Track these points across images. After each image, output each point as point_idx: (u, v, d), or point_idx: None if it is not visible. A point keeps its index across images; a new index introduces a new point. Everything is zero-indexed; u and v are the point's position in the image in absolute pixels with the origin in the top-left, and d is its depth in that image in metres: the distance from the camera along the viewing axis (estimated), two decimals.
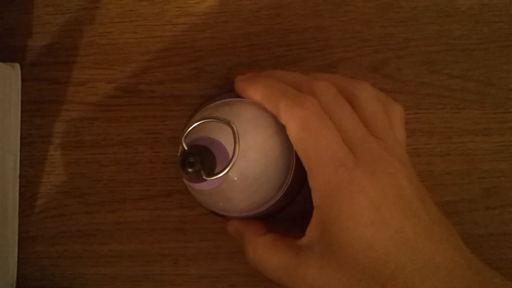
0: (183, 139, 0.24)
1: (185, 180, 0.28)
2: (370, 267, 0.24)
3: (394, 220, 0.24)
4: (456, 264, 0.24)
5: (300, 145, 0.26)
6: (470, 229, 0.33)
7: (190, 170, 0.23)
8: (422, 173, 0.34)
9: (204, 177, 0.23)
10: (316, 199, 0.26)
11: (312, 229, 0.26)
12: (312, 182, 0.26)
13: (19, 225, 0.34)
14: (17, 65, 0.35)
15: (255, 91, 0.28)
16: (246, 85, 0.29)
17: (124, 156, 0.35)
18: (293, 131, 0.26)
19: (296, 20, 0.35)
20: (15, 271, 0.33)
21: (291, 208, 0.33)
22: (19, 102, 0.35)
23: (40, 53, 0.36)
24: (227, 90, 0.34)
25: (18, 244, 0.34)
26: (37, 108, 0.35)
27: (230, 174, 0.26)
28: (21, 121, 0.35)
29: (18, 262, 0.34)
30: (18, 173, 0.34)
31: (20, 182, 0.34)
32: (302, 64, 0.35)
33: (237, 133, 0.24)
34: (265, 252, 0.27)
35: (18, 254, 0.34)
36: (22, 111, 0.35)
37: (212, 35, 0.35)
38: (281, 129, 0.27)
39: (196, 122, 0.25)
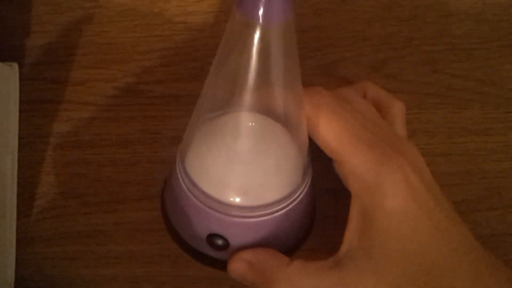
0: None
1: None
2: (416, 252, 0.23)
3: (428, 202, 0.24)
4: (477, 247, 0.25)
5: (328, 132, 0.25)
6: (471, 229, 0.33)
7: None
8: None
9: None
10: (354, 185, 0.25)
11: (351, 228, 0.24)
12: (347, 167, 0.25)
13: (17, 226, 0.34)
14: (16, 65, 0.35)
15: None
16: None
17: (123, 156, 0.34)
18: (316, 119, 0.25)
19: (296, 19, 0.35)
20: (13, 272, 0.33)
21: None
22: (17, 102, 0.35)
23: (39, 52, 0.36)
24: None
25: (16, 245, 0.34)
26: (35, 108, 0.35)
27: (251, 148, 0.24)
28: (19, 121, 0.35)
29: (16, 263, 0.33)
30: (16, 174, 0.34)
31: (18, 183, 0.34)
32: (303, 64, 0.34)
33: None
34: (302, 280, 0.23)
35: (16, 255, 0.33)
36: (20, 111, 0.35)
37: (212, 34, 0.35)
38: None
39: None
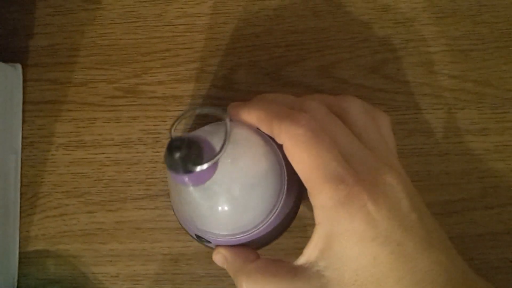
0: (172, 130, 0.23)
1: (171, 195, 0.27)
2: (371, 281, 0.24)
3: (395, 235, 0.24)
4: (452, 275, 0.25)
5: (300, 164, 0.26)
6: (468, 228, 0.33)
7: (177, 155, 0.22)
8: (421, 173, 0.34)
9: (190, 167, 0.22)
10: (318, 216, 0.26)
11: (311, 247, 0.26)
12: (314, 200, 0.26)
13: (20, 225, 0.34)
14: (19, 66, 0.36)
15: (249, 114, 0.28)
16: (240, 110, 0.28)
17: (125, 156, 0.35)
18: (290, 150, 0.26)
19: (296, 21, 0.36)
20: (16, 270, 0.34)
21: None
22: (21, 102, 0.35)
23: (42, 53, 0.36)
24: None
25: (20, 243, 0.34)
26: (38, 108, 0.36)
27: (217, 186, 0.25)
28: (23, 121, 0.35)
29: (19, 261, 0.34)
30: (19, 173, 0.35)
31: (21, 182, 0.35)
32: (302, 65, 0.35)
33: (229, 125, 0.23)
34: (259, 278, 0.26)
35: (20, 253, 0.34)
36: (23, 111, 0.35)
37: (212, 35, 0.36)
38: (271, 151, 0.27)
39: (188, 112, 0.25)
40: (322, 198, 0.25)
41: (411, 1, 0.35)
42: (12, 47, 0.36)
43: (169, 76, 0.35)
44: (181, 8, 0.36)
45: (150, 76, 0.35)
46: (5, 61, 0.35)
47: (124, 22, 0.36)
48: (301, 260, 0.26)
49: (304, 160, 0.25)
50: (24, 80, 0.36)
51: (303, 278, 0.25)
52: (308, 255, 0.26)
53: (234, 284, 0.33)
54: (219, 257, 0.29)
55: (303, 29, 0.35)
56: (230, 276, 0.33)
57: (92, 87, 0.36)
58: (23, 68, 0.36)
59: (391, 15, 0.35)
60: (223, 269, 0.33)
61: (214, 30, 0.36)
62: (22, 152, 0.35)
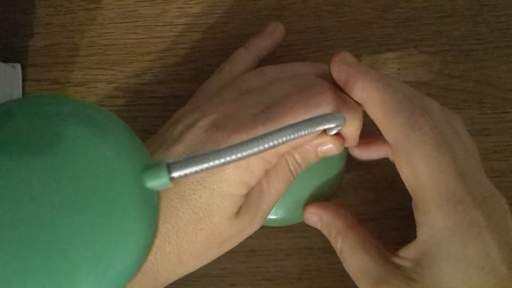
0: None
1: None
2: None
3: (502, 267, 0.23)
4: None
5: (413, 173, 0.24)
6: None
7: None
8: None
9: None
10: (423, 234, 0.24)
11: (407, 255, 0.25)
12: (421, 216, 0.24)
13: None
14: (18, 65, 0.36)
15: (364, 91, 0.25)
16: (354, 79, 0.25)
17: None
18: (403, 153, 0.24)
19: (296, 20, 0.36)
20: None
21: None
22: None
23: (41, 53, 0.36)
24: None
25: None
26: None
27: None
28: None
29: None
30: None
31: None
32: None
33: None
34: (353, 248, 0.26)
35: None
36: None
37: (213, 35, 0.36)
38: None
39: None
40: (433, 217, 0.23)
41: (412, 1, 0.35)
42: (11, 46, 0.36)
43: (169, 76, 0.35)
44: (181, 7, 0.36)
45: (150, 76, 0.36)
46: (5, 60, 0.35)
47: (124, 22, 0.36)
48: (396, 259, 0.25)
49: (420, 170, 0.24)
50: (24, 80, 0.36)
51: (392, 274, 0.24)
52: (403, 260, 0.25)
53: (234, 284, 0.33)
54: (312, 218, 0.29)
55: (303, 29, 0.36)
56: (230, 276, 0.33)
57: (91, 87, 0.36)
58: (22, 68, 0.36)
59: (391, 14, 0.35)
60: (223, 269, 0.33)
61: (215, 29, 0.36)
62: None
